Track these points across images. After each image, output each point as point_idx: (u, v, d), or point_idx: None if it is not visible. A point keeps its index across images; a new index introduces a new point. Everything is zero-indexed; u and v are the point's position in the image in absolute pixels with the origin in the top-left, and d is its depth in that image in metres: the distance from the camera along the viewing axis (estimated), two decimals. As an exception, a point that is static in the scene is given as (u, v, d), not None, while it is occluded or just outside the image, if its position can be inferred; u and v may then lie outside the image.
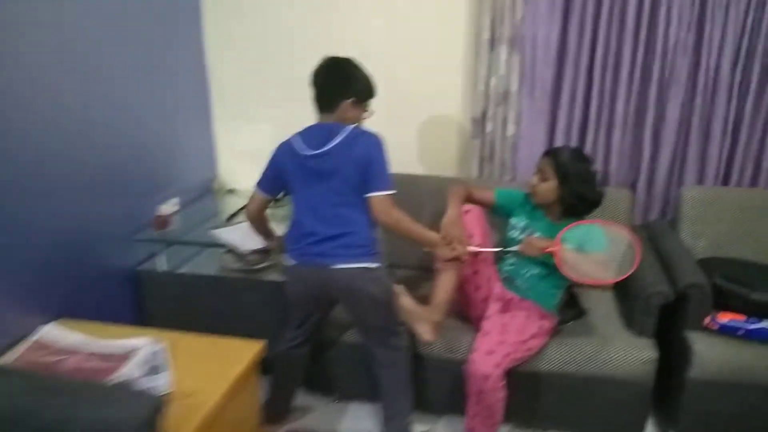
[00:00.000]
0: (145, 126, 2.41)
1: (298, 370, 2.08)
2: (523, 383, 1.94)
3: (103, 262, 2.20)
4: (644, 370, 1.90)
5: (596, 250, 1.86)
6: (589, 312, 2.15)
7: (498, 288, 2.00)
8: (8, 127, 1.76)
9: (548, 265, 1.97)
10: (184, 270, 2.36)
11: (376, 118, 2.66)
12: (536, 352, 1.92)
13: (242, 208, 2.59)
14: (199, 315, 2.31)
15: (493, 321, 1.88)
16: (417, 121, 2.67)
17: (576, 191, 1.93)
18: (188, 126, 2.72)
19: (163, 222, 2.34)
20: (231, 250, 2.27)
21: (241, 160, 2.88)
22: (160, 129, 2.51)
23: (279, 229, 2.20)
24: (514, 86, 2.43)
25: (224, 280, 2.28)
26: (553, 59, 2.38)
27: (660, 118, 2.37)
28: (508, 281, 2.05)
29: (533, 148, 2.49)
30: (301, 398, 2.23)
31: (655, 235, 2.36)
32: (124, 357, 1.65)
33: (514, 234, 2.07)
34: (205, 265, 2.40)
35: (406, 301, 1.83)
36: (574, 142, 2.46)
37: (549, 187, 1.95)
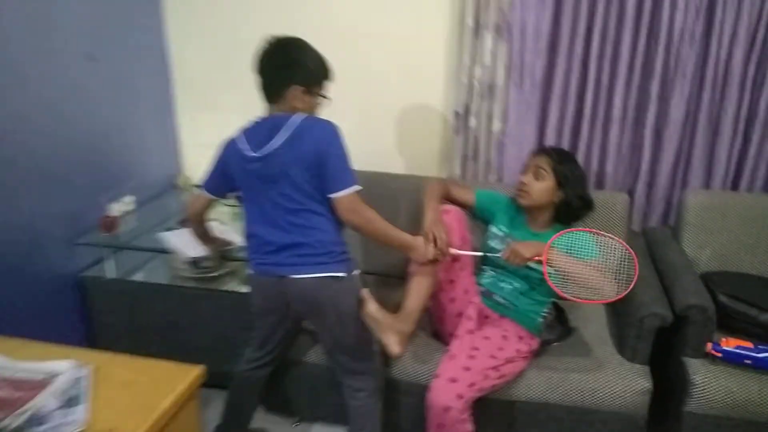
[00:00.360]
0: (97, 113, 2.19)
1: (255, 394, 1.86)
2: (497, 413, 1.73)
3: (40, 268, 2.00)
4: (637, 401, 1.68)
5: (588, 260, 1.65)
6: (576, 331, 1.93)
7: (474, 303, 1.78)
8: None
9: (532, 278, 1.76)
10: (134, 277, 2.15)
11: (350, 111, 2.46)
12: (511, 379, 1.70)
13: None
14: (151, 327, 2.13)
15: (461, 342, 1.66)
16: (394, 115, 2.44)
17: (576, 193, 1.78)
18: (147, 116, 2.49)
19: (110, 223, 2.13)
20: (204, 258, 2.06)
21: (208, 154, 2.65)
22: (115, 117, 2.29)
23: (229, 231, 2.00)
24: (500, 78, 2.19)
25: (177, 289, 2.08)
26: (544, 48, 2.14)
27: (663, 114, 2.13)
28: (486, 295, 1.84)
29: (521, 146, 2.26)
30: (259, 419, 2.03)
31: (654, 244, 2.13)
32: (40, 384, 1.45)
33: (494, 243, 1.85)
34: (159, 271, 2.20)
35: (372, 307, 1.62)
36: (566, 141, 2.22)
37: (544, 188, 1.77)
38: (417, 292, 1.72)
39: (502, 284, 1.84)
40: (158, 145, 2.60)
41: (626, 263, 1.65)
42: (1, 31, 1.78)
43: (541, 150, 1.87)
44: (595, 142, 2.21)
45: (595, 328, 1.94)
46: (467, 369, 1.58)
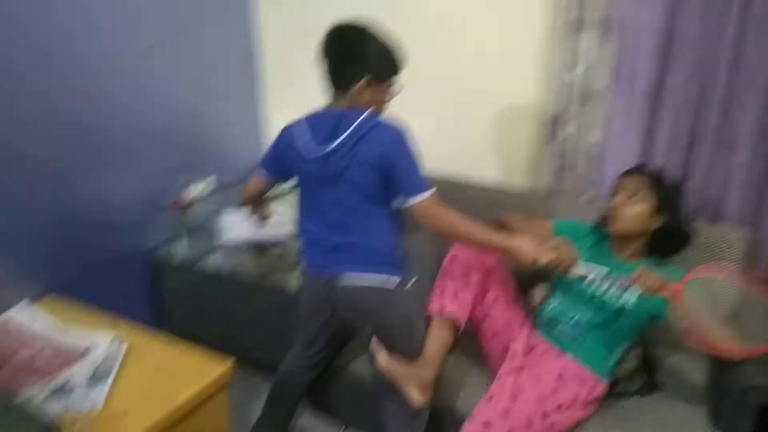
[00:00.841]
0: (182, 93, 2.25)
1: (296, 396, 1.80)
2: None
3: (116, 243, 2.09)
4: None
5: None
6: (665, 387, 1.62)
7: (523, 335, 1.57)
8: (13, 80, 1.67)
9: (608, 309, 1.53)
10: (202, 262, 2.17)
11: (430, 110, 2.31)
12: (564, 431, 1.45)
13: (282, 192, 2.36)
14: (212, 312, 2.15)
15: (503, 382, 1.45)
16: (480, 118, 2.23)
17: (676, 221, 1.54)
18: (233, 96, 2.53)
19: (183, 206, 2.17)
20: (253, 246, 2.04)
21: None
22: (200, 98, 2.34)
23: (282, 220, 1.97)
24: (602, 82, 1.90)
25: (236, 279, 2.06)
26: (658, 49, 1.81)
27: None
28: (548, 326, 1.61)
29: (624, 159, 1.95)
30: (305, 420, 1.96)
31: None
32: (76, 355, 1.49)
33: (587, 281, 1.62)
34: (229, 259, 2.19)
35: (383, 359, 1.49)
36: (678, 161, 1.88)
37: (640, 212, 1.55)
38: (437, 335, 1.55)
39: (573, 313, 1.60)
40: (244, 126, 2.62)
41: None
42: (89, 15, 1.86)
43: (638, 169, 1.61)
44: (716, 165, 1.84)
45: (688, 388, 1.61)
46: (506, 413, 1.37)
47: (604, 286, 1.58)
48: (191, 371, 1.49)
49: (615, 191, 1.61)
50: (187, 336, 2.23)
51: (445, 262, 1.63)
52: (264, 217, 1.86)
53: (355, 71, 1.45)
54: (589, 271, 1.53)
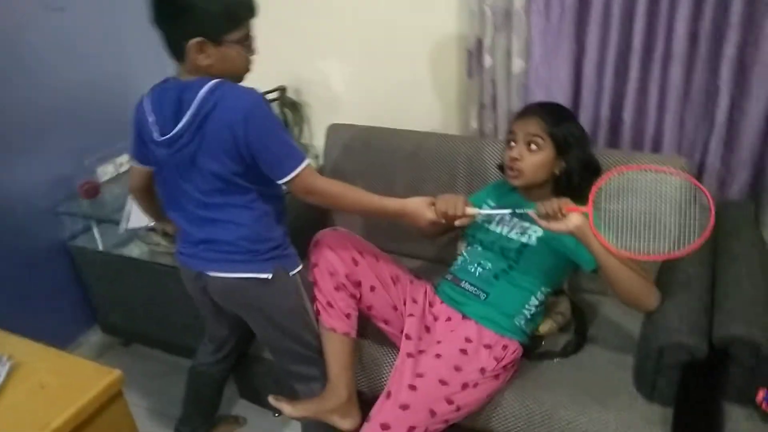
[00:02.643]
0: (80, 63, 2.02)
1: (215, 391, 1.71)
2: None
3: (26, 238, 1.97)
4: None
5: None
6: (593, 344, 1.49)
7: (414, 316, 1.42)
8: None
9: (509, 251, 1.44)
10: (119, 249, 2.04)
11: (350, 60, 2.08)
12: (476, 408, 1.34)
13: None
14: (135, 299, 2.06)
15: (399, 373, 1.31)
16: (402, 56, 2.00)
17: (579, 159, 1.39)
18: (141, 63, 2.26)
19: (90, 189, 2.02)
20: (153, 229, 1.90)
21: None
22: (103, 67, 2.10)
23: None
24: (519, 1, 1.65)
25: (149, 264, 1.94)
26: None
27: (748, 44, 1.47)
28: (451, 290, 1.49)
29: (551, 91, 1.74)
30: (239, 408, 1.91)
31: (725, 226, 1.54)
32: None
33: (492, 227, 1.50)
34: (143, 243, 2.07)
35: (293, 410, 1.37)
36: (608, 85, 1.66)
37: (541, 160, 1.40)
38: (331, 353, 1.41)
39: (472, 267, 1.47)
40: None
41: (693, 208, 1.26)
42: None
43: (529, 111, 1.44)
44: (650, 85, 1.61)
45: (621, 342, 1.48)
46: (405, 408, 1.25)
47: (507, 228, 1.47)
48: (78, 385, 1.40)
49: (508, 140, 1.44)
50: (119, 328, 2.20)
51: (309, 272, 1.46)
52: (167, 234, 1.71)
53: (180, 34, 1.17)
54: (488, 214, 1.44)
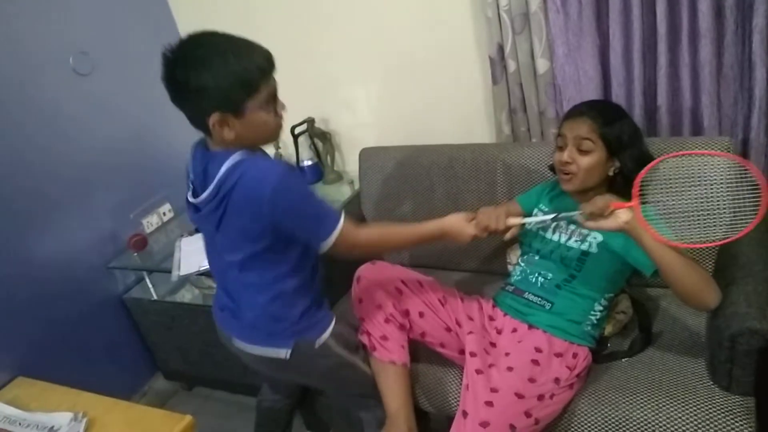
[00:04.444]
0: (115, 123, 2.12)
1: (281, 425, 1.71)
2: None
3: (82, 295, 2.03)
4: (734, 446, 1.20)
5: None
6: (660, 338, 1.44)
7: (474, 334, 1.39)
8: None
9: (569, 260, 1.40)
10: (172, 296, 2.09)
11: (374, 84, 2.10)
12: (553, 420, 1.31)
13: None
14: (192, 345, 2.09)
15: (472, 393, 1.27)
16: (428, 76, 2.02)
17: (634, 156, 1.34)
18: (173, 116, 2.34)
19: (139, 242, 2.09)
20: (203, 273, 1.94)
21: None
22: (135, 123, 2.19)
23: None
24: (534, 2, 1.64)
25: (205, 309, 1.97)
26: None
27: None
28: (513, 301, 1.46)
29: (581, 86, 1.72)
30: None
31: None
32: (41, 440, 1.47)
33: (548, 236, 1.47)
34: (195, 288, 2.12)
35: None
36: (638, 73, 1.62)
37: (594, 162, 1.35)
38: (388, 386, 1.39)
39: (533, 277, 1.45)
40: (190, 144, 2.47)
41: (742, 188, 1.18)
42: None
43: (577, 112, 1.39)
44: (680, 67, 1.57)
45: (688, 334, 1.43)
46: (485, 425, 1.20)
47: (565, 236, 1.43)
48: (152, 433, 1.44)
49: (558, 144, 1.41)
50: (180, 373, 2.24)
51: (354, 307, 1.46)
52: None
53: (198, 113, 1.12)
54: (531, 222, 1.40)
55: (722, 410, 1.21)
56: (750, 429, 1.18)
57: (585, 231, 1.41)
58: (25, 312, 1.84)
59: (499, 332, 1.44)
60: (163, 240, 2.17)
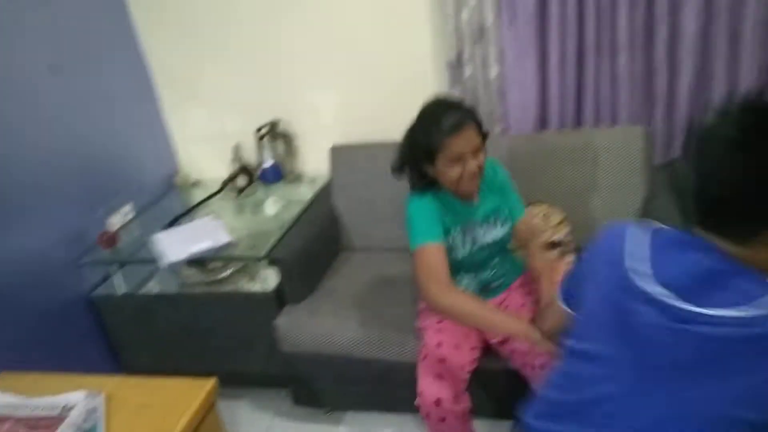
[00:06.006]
0: (79, 126, 2.10)
1: None
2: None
3: (49, 293, 1.96)
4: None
5: None
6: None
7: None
8: None
9: (494, 242, 1.62)
10: (144, 289, 2.11)
11: (335, 91, 2.31)
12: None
13: (199, 204, 2.33)
14: (168, 337, 2.10)
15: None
16: (387, 79, 2.27)
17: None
18: (132, 118, 2.39)
19: (109, 239, 2.07)
20: (194, 262, 1.99)
21: (202, 147, 2.58)
22: (98, 126, 2.19)
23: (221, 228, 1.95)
24: (490, 18, 1.99)
25: (187, 297, 2.02)
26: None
27: (674, 32, 1.91)
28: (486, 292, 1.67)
29: (524, 89, 2.08)
30: (289, 412, 2.02)
31: (677, 178, 1.95)
32: (56, 419, 1.44)
33: (460, 242, 1.58)
34: (169, 279, 2.14)
35: None
36: (571, 77, 2.03)
37: (482, 162, 1.47)
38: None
39: (486, 270, 1.65)
40: (150, 146, 2.50)
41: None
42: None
43: (460, 123, 1.40)
44: (603, 73, 2.01)
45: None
46: None
47: (492, 230, 1.60)
48: (179, 401, 1.47)
49: (453, 159, 1.42)
50: (146, 369, 2.20)
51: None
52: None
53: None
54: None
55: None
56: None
57: (501, 214, 1.61)
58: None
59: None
60: (126, 239, 2.17)
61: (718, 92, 1.95)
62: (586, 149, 1.94)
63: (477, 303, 1.46)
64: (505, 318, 1.45)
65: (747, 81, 1.92)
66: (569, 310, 1.10)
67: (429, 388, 1.48)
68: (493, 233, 1.59)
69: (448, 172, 1.43)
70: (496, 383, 1.63)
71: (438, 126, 1.39)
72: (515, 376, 1.53)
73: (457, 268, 1.56)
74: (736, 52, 1.90)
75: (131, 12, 2.37)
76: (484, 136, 1.47)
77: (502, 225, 1.61)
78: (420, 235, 1.47)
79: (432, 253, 1.45)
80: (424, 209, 1.49)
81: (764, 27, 1.85)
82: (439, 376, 1.48)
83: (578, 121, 2.11)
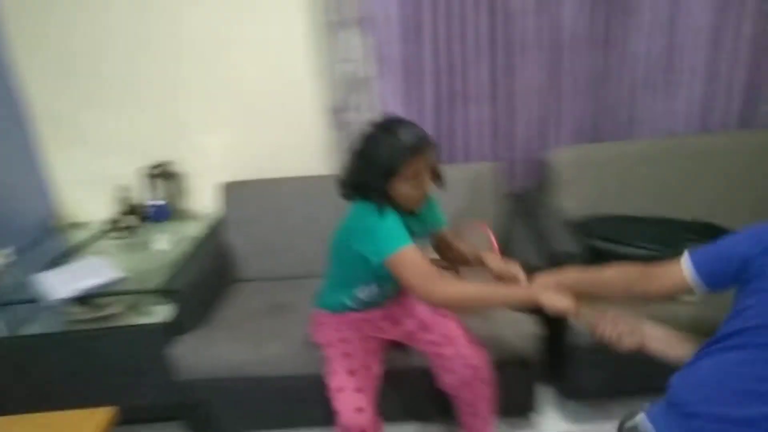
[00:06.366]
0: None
1: None
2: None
3: None
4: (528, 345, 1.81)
5: None
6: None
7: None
8: None
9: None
10: (25, 331, 2.05)
11: (229, 127, 2.47)
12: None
13: (85, 244, 2.33)
14: (55, 378, 2.04)
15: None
16: (274, 121, 2.47)
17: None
18: (8, 160, 2.36)
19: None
20: (80, 299, 1.98)
21: (87, 188, 2.57)
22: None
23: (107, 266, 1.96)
24: (368, 70, 2.29)
25: (73, 334, 2.00)
26: (398, 37, 2.25)
27: (513, 83, 2.32)
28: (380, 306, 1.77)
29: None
30: None
31: (525, 203, 2.33)
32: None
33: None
34: (53, 319, 2.10)
35: None
36: (430, 122, 2.36)
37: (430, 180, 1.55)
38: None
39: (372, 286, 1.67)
40: (29, 188, 2.46)
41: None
42: None
43: (424, 144, 1.45)
44: (457, 119, 2.37)
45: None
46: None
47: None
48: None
49: (410, 176, 1.44)
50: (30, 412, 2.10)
51: None
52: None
53: None
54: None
55: (518, 321, 1.86)
56: (533, 331, 1.83)
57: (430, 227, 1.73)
58: None
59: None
60: (7, 281, 2.11)
61: (555, 134, 2.38)
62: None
63: (475, 286, 1.44)
64: (510, 289, 1.48)
65: (576, 126, 2.36)
66: (703, 285, 1.16)
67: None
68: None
69: (405, 188, 1.46)
70: (405, 384, 1.83)
71: (401, 143, 1.41)
72: (424, 375, 1.72)
73: (375, 277, 1.60)
74: (567, 102, 2.34)
75: (7, 48, 2.36)
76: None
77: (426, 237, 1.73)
78: (394, 242, 1.44)
79: (413, 253, 1.44)
80: (391, 220, 1.47)
81: (582, 81, 2.30)
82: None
83: (445, 155, 2.43)
